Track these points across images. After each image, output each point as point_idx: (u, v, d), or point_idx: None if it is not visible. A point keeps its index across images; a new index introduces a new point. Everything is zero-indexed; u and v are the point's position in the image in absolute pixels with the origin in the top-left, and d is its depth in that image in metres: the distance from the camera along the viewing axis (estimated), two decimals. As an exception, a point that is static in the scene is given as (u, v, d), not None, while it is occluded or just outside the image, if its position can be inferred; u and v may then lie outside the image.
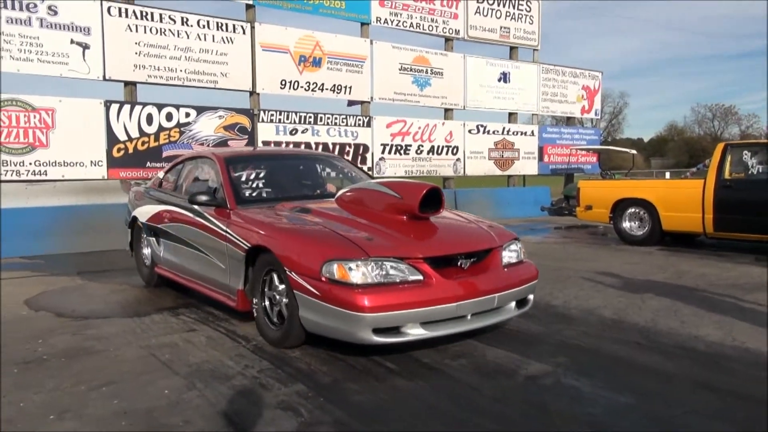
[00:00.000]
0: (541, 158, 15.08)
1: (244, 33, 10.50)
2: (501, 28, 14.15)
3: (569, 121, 16.19)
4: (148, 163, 9.55)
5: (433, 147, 13.06)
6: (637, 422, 2.71)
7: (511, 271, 3.94)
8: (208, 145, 10.08)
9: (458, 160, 13.49)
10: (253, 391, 3.11)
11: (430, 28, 12.96)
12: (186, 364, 3.55)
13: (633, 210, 8.78)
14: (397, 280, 3.43)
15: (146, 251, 5.94)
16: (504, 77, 14.28)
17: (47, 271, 6.85)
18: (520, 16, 14.49)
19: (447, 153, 13.33)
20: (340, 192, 4.53)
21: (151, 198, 5.86)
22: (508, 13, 14.25)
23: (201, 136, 10.13)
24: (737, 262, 7.03)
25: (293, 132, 11.13)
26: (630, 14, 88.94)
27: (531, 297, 4.14)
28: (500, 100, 14.24)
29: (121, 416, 2.81)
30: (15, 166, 8.48)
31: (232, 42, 10.40)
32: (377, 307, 3.27)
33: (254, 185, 4.96)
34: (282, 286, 3.76)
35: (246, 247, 4.02)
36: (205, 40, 10.10)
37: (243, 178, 4.95)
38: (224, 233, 4.31)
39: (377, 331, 3.31)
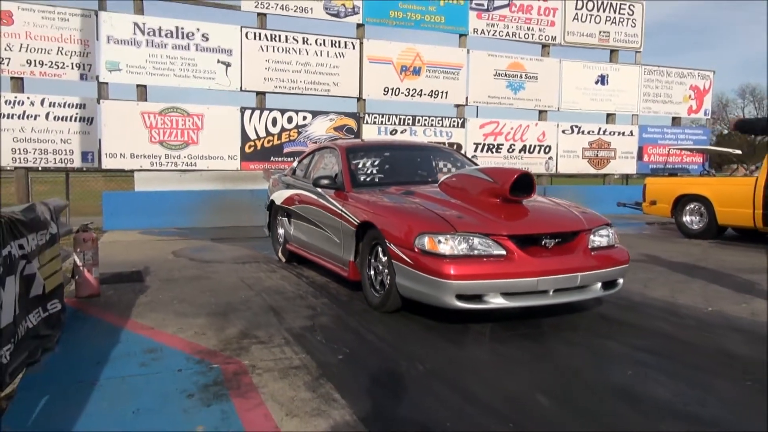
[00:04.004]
0: (640, 158, 15.34)
1: (354, 48, 12.36)
2: (600, 32, 14.71)
3: (675, 121, 16.15)
4: (272, 157, 11.75)
5: (525, 146, 14.05)
6: (574, 353, 3.97)
7: (598, 254, 4.14)
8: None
9: (550, 158, 14.33)
10: (294, 300, 4.81)
11: (526, 36, 13.96)
12: (261, 286, 5.35)
13: (692, 205, 9.32)
14: (482, 254, 3.77)
15: (280, 230, 6.78)
16: (602, 79, 14.81)
17: (190, 237, 9.15)
18: (622, 19, 14.91)
19: (539, 152, 14.23)
20: (443, 177, 4.98)
21: (286, 184, 6.62)
22: (608, 18, 14.76)
23: (315, 135, 12.14)
24: (773, 254, 7.50)
25: (393, 132, 12.82)
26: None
27: (620, 281, 4.29)
28: (597, 102, 14.79)
29: (212, 304, 4.65)
30: (174, 159, 11.05)
31: (344, 56, 12.29)
32: (461, 276, 3.64)
33: (369, 171, 5.54)
34: (384, 258, 4.25)
35: (356, 223, 4.59)
36: (320, 55, 12.10)
37: (360, 165, 5.55)
38: (340, 212, 4.92)
39: (460, 297, 3.69)
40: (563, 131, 14.49)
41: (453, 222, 3.93)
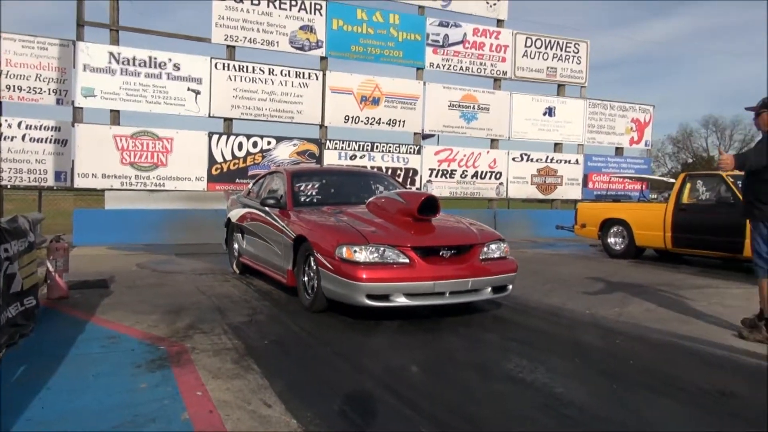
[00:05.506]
0: (585, 184, 16.48)
1: (317, 79, 13.30)
2: (548, 68, 15.91)
3: (618, 151, 17.33)
4: (237, 179, 12.52)
5: (477, 172, 15.07)
6: (456, 342, 4.83)
7: (489, 264, 5.01)
8: (283, 167, 12.88)
9: (501, 184, 15.36)
10: (239, 302, 5.62)
11: (479, 70, 15.07)
12: (213, 292, 6.14)
13: (615, 228, 10.35)
14: (390, 261, 4.63)
15: (235, 245, 7.55)
16: (549, 111, 15.97)
17: (155, 252, 9.87)
18: (568, 57, 16.15)
19: (490, 178, 15.25)
20: (370, 199, 5.76)
21: (242, 203, 7.44)
22: (555, 55, 15.99)
23: (278, 159, 12.98)
24: (676, 272, 8.50)
25: (353, 157, 13.72)
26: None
27: (510, 286, 5.17)
28: (545, 132, 15.92)
29: (167, 305, 5.42)
30: (143, 179, 11.78)
31: (307, 86, 13.22)
32: (371, 279, 4.48)
33: (310, 193, 6.39)
34: (314, 266, 5.02)
35: (293, 237, 5.44)
36: (285, 85, 13.00)
37: (302, 188, 6.42)
38: (282, 227, 5.76)
39: (370, 296, 4.53)
40: (513, 159, 15.56)
41: (367, 235, 4.81)
